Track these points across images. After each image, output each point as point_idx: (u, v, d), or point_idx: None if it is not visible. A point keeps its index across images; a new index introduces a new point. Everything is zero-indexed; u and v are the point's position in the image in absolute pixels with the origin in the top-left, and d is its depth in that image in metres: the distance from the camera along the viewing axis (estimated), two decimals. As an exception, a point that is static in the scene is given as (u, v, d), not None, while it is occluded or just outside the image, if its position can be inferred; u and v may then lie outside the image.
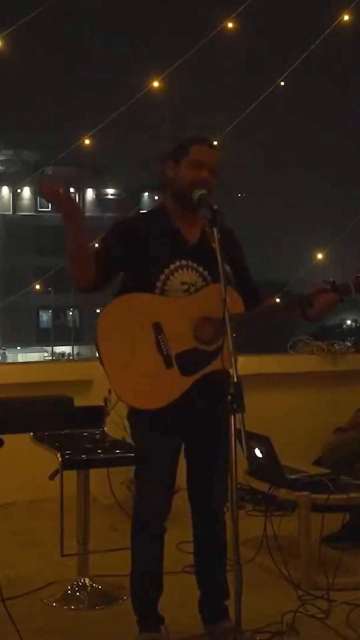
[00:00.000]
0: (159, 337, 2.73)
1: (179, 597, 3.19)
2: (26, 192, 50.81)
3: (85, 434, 3.70)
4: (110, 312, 2.78)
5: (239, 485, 2.51)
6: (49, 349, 47.77)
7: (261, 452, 3.88)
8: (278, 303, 3.02)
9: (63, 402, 3.75)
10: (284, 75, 11.14)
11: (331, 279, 2.87)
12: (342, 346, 6.26)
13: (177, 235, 2.89)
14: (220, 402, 2.42)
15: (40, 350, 47.99)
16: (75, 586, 3.54)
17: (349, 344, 6.73)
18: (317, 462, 4.40)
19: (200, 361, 2.75)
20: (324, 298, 2.86)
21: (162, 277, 2.81)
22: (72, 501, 3.57)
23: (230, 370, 2.43)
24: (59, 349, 48.45)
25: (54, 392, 4.23)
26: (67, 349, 48.18)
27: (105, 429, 3.77)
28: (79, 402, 3.78)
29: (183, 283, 2.83)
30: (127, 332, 2.76)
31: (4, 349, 47.08)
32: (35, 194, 50.68)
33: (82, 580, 3.55)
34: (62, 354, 47.55)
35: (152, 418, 2.79)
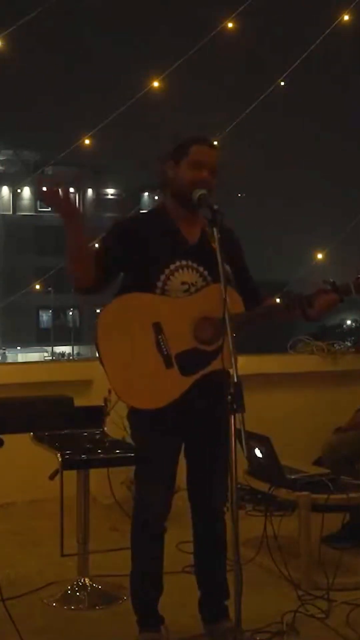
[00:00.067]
0: (159, 337, 2.73)
1: (179, 597, 3.19)
2: (26, 192, 50.81)
3: (85, 434, 3.70)
4: (110, 312, 2.78)
5: (239, 485, 2.51)
6: (49, 349, 47.76)
7: (261, 452, 3.88)
8: (278, 303, 3.02)
9: (63, 402, 3.75)
10: (284, 75, 11.14)
11: (331, 280, 2.87)
12: (342, 346, 6.26)
13: (177, 235, 2.89)
14: (220, 402, 2.42)
15: (40, 350, 47.99)
16: (75, 586, 3.54)
17: (349, 344, 6.73)
18: (317, 462, 4.40)
19: (200, 361, 2.75)
20: (324, 299, 2.86)
21: (163, 277, 2.81)
22: (72, 501, 3.57)
23: (230, 370, 2.43)
24: (59, 349, 48.44)
25: (54, 392, 4.23)
26: (67, 349, 48.17)
27: (105, 429, 3.77)
28: (79, 402, 3.78)
29: (183, 283, 2.83)
30: (127, 332, 2.76)
31: (4, 349, 47.08)
32: (35, 193, 50.67)
33: (82, 580, 3.55)
34: (62, 354, 47.54)
35: (152, 418, 2.79)
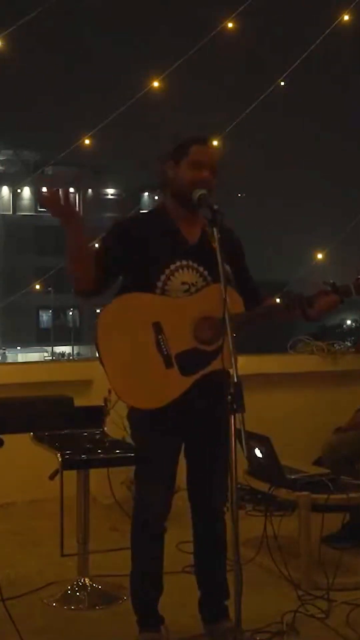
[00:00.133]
0: (159, 337, 2.73)
1: (179, 597, 3.19)
2: (26, 192, 50.83)
3: (85, 434, 3.70)
4: (110, 312, 2.78)
5: (239, 485, 2.51)
6: (49, 349, 47.77)
7: (261, 452, 3.88)
8: (278, 303, 3.02)
9: (63, 402, 3.74)
10: (284, 75, 11.14)
11: (331, 281, 2.86)
12: (342, 346, 6.26)
13: (177, 236, 2.89)
14: (220, 402, 2.42)
15: (40, 350, 47.99)
16: (75, 586, 3.54)
17: (349, 344, 6.73)
18: (317, 462, 4.40)
19: (201, 361, 2.75)
20: (325, 299, 2.85)
21: (163, 277, 2.81)
22: (72, 501, 3.57)
23: (230, 370, 2.43)
24: (59, 349, 48.45)
25: (54, 392, 4.22)
26: (67, 349, 48.18)
27: (105, 429, 3.77)
28: (79, 402, 3.77)
29: (183, 283, 2.82)
30: (127, 331, 2.76)
31: (4, 349, 47.09)
32: (35, 193, 50.70)
33: (82, 580, 3.55)
34: (62, 354, 47.55)
35: (152, 418, 2.79)
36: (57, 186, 2.65)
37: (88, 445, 3.49)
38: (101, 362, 2.75)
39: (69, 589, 3.52)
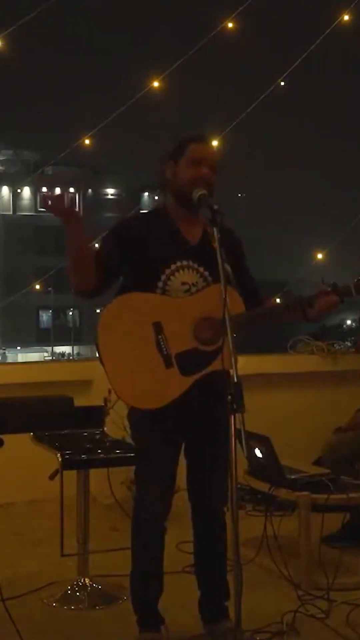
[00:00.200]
0: (159, 336, 2.73)
1: (179, 597, 3.18)
2: (26, 192, 50.84)
3: (85, 434, 3.71)
4: (110, 312, 2.78)
5: (239, 485, 2.51)
6: (49, 349, 47.78)
7: (261, 452, 3.87)
8: (278, 303, 3.02)
9: (63, 402, 3.74)
10: (284, 75, 11.15)
11: (332, 281, 2.86)
12: (342, 346, 6.26)
13: (178, 236, 2.89)
14: (220, 402, 2.42)
15: (40, 350, 48.00)
16: (75, 586, 3.54)
17: (349, 344, 6.73)
18: (317, 462, 4.40)
19: (201, 361, 2.75)
20: (325, 300, 2.85)
21: (163, 277, 2.81)
22: (72, 501, 3.57)
23: (230, 370, 2.42)
24: (59, 349, 48.46)
25: (54, 392, 4.22)
26: (67, 349, 48.18)
27: (105, 429, 3.77)
28: (79, 402, 3.77)
29: (184, 283, 2.82)
30: (127, 331, 2.75)
31: (4, 349, 47.09)
32: (35, 193, 50.70)
33: (82, 580, 3.55)
34: (62, 354, 47.55)
35: (152, 418, 2.79)
36: (57, 186, 2.65)
37: (88, 445, 3.49)
38: (101, 362, 2.75)
39: (69, 589, 3.52)
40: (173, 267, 2.82)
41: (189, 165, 2.83)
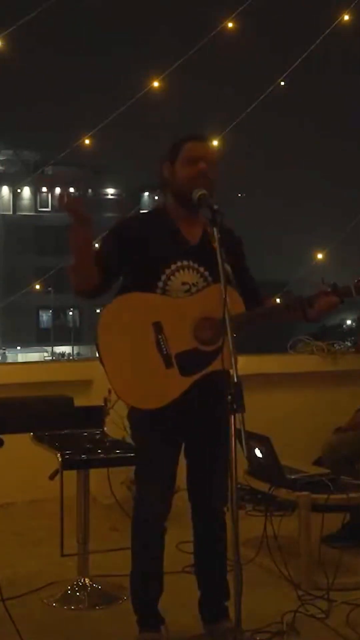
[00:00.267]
0: (159, 336, 2.73)
1: (179, 597, 3.18)
2: (26, 192, 50.82)
3: (85, 434, 3.71)
4: (110, 312, 2.78)
5: (239, 485, 2.51)
6: (49, 349, 47.76)
7: (261, 452, 3.88)
8: (278, 303, 3.02)
9: (63, 402, 3.74)
10: (284, 75, 11.15)
11: (332, 282, 2.86)
12: (342, 346, 6.26)
13: (178, 236, 2.89)
14: (220, 402, 2.42)
15: (40, 350, 47.99)
16: (75, 586, 3.54)
17: (349, 344, 6.73)
18: (317, 462, 4.40)
19: (201, 361, 2.75)
20: (325, 300, 2.85)
21: (163, 277, 2.81)
22: (72, 501, 3.57)
23: (230, 370, 2.42)
24: (59, 349, 48.44)
25: (54, 392, 4.22)
26: (67, 349, 48.17)
27: (105, 429, 3.77)
28: (79, 402, 3.77)
29: (184, 283, 2.82)
30: (127, 331, 2.76)
31: (4, 349, 47.09)
32: (35, 193, 50.71)
33: (82, 580, 3.55)
34: (62, 354, 47.54)
35: (152, 418, 2.79)
36: (58, 186, 2.65)
37: (88, 445, 3.49)
38: (101, 362, 2.75)
39: (69, 589, 3.52)
40: (173, 267, 2.82)
41: (185, 163, 2.83)
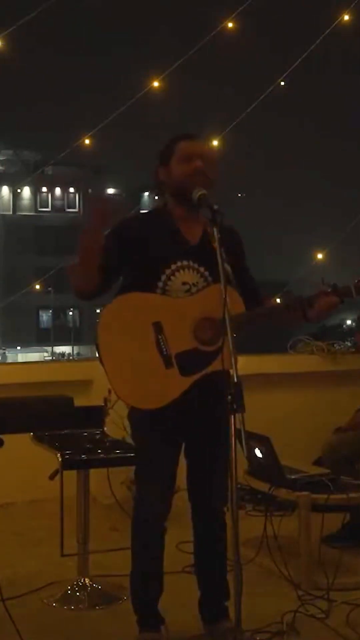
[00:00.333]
0: (159, 336, 2.73)
1: (179, 597, 3.18)
2: (26, 192, 50.85)
3: (85, 434, 3.71)
4: (110, 312, 2.78)
5: (239, 485, 2.51)
6: (49, 349, 47.77)
7: (261, 452, 3.88)
8: (278, 303, 3.02)
9: (63, 402, 3.74)
10: (284, 75, 11.16)
11: (332, 282, 2.86)
12: (342, 346, 6.26)
13: (178, 236, 2.89)
14: (220, 402, 2.42)
15: (40, 350, 47.99)
16: (75, 586, 3.54)
17: (349, 344, 6.73)
18: (317, 462, 4.40)
19: (201, 362, 2.75)
20: (325, 300, 2.84)
21: (164, 277, 2.80)
22: (72, 501, 3.57)
23: (230, 370, 2.42)
24: (59, 349, 48.45)
25: (54, 392, 4.22)
26: (67, 349, 48.18)
27: (105, 429, 3.77)
28: (79, 402, 3.77)
29: (184, 283, 2.82)
30: (127, 331, 2.75)
31: (4, 349, 47.09)
32: (35, 193, 50.72)
33: (82, 580, 3.55)
34: (62, 354, 47.55)
35: (152, 418, 2.79)
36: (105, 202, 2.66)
37: (88, 445, 3.49)
38: (101, 362, 2.75)
39: (69, 589, 3.52)
40: (173, 267, 2.82)
41: (179, 162, 2.83)
